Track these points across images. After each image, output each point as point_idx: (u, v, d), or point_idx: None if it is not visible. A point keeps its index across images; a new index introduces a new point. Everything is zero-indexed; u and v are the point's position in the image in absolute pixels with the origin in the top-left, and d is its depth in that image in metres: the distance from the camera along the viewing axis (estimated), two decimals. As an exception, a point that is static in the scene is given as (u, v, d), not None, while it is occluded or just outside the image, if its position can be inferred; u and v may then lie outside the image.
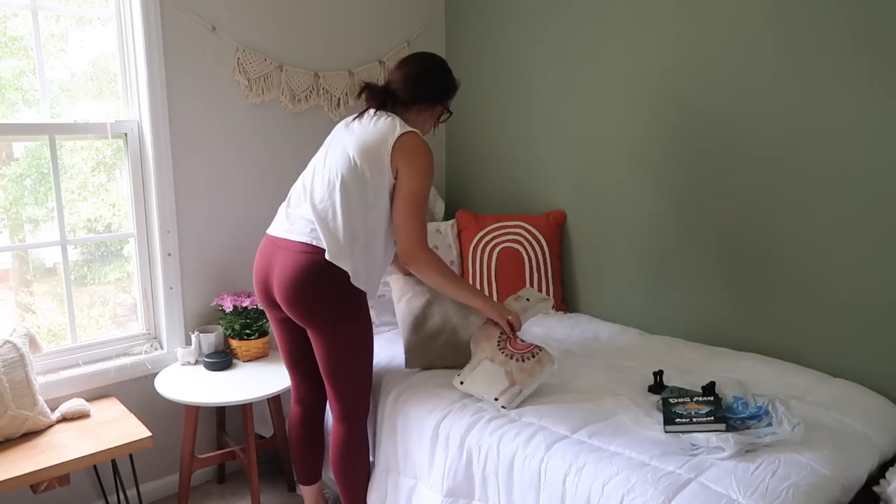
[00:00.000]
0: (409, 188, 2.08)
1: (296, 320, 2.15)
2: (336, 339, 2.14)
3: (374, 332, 2.34)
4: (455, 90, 2.29)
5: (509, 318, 2.21)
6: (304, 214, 2.12)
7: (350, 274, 2.06)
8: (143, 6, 2.49)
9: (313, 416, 2.41)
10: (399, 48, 3.27)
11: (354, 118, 2.20)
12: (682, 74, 2.60)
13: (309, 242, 2.07)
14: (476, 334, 2.27)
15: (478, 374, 2.17)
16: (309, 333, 2.18)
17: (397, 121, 2.12)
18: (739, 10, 2.42)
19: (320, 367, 2.20)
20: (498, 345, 2.18)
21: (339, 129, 2.23)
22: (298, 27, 2.93)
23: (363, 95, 2.20)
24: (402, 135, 2.07)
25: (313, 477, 2.47)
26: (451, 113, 2.30)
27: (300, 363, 2.33)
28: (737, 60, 2.45)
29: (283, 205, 2.23)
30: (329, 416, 2.40)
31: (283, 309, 2.15)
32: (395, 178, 2.08)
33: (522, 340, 2.21)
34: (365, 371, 2.24)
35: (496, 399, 2.11)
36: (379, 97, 2.17)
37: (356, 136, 2.13)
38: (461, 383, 2.20)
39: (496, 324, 2.23)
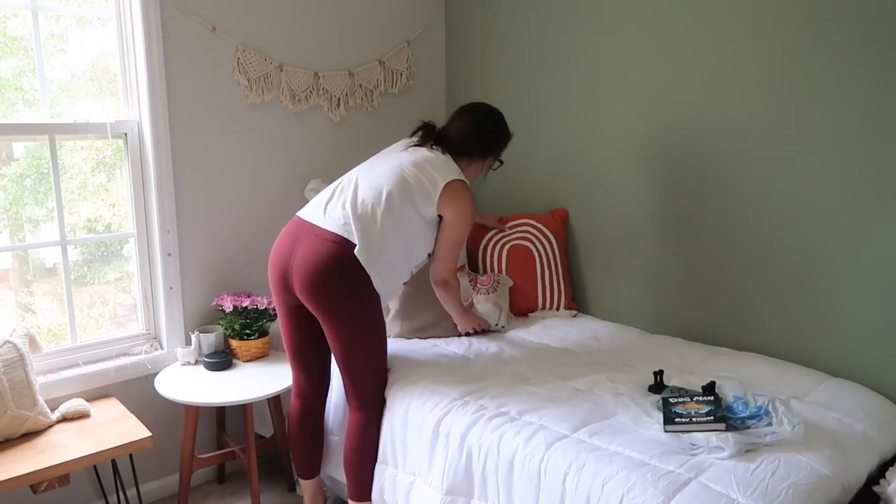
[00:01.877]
0: (452, 233, 2.29)
1: (311, 308, 2.18)
2: (353, 329, 2.19)
3: None
4: (507, 143, 2.44)
5: (476, 325, 2.67)
6: (341, 209, 2.18)
7: (371, 277, 2.16)
8: (143, 6, 2.49)
9: (314, 410, 2.42)
10: (399, 48, 3.28)
11: (416, 144, 2.32)
12: (683, 74, 2.60)
13: (340, 234, 2.14)
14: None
15: (476, 314, 2.70)
16: (323, 324, 2.20)
17: (452, 165, 2.28)
18: (741, 11, 2.42)
19: (337, 358, 2.25)
20: (477, 288, 2.82)
21: (398, 145, 2.36)
22: (298, 27, 2.94)
23: (419, 133, 2.34)
24: (452, 181, 2.21)
25: (313, 471, 2.48)
26: (502, 162, 2.46)
27: (304, 355, 2.35)
28: (737, 61, 2.45)
29: (321, 196, 2.28)
30: (331, 411, 2.43)
31: (300, 295, 2.17)
32: (440, 217, 2.27)
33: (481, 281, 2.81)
34: (382, 359, 2.32)
35: (496, 324, 2.72)
36: (434, 140, 2.31)
37: (415, 161, 2.24)
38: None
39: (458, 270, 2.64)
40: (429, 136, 2.32)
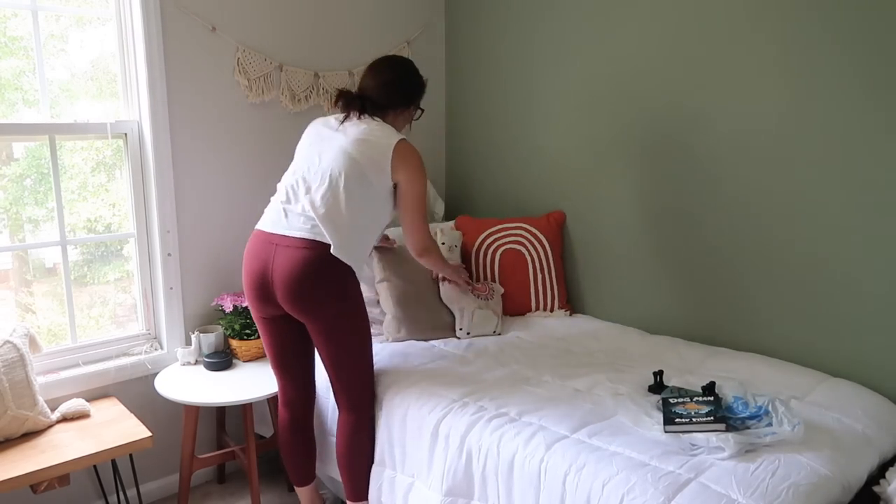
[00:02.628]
0: (412, 193, 2.23)
1: (299, 315, 2.18)
2: (341, 330, 2.21)
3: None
4: (424, 90, 2.41)
5: (463, 275, 2.76)
6: (302, 211, 2.16)
7: (353, 267, 2.17)
8: (143, 6, 2.49)
9: (303, 418, 2.42)
10: (399, 48, 3.27)
11: (342, 120, 2.26)
12: (682, 74, 2.60)
13: (311, 238, 2.13)
14: (449, 295, 2.78)
15: (476, 321, 2.75)
16: (311, 328, 2.21)
17: (387, 128, 2.25)
18: (742, 11, 2.42)
19: (326, 361, 2.26)
20: (475, 295, 2.78)
21: (325, 130, 2.28)
22: (298, 27, 2.93)
23: (339, 103, 2.28)
24: (398, 143, 2.19)
25: (307, 478, 2.47)
26: (423, 110, 2.43)
27: (289, 363, 2.35)
28: (738, 62, 2.45)
29: (276, 201, 2.25)
30: (330, 411, 2.42)
31: (286, 305, 2.17)
32: (395, 184, 2.22)
33: (476, 286, 2.85)
34: (369, 359, 2.33)
35: (494, 331, 2.76)
36: (357, 104, 2.26)
37: (353, 138, 2.20)
38: (468, 334, 2.73)
39: (451, 282, 2.76)
40: (351, 104, 2.26)
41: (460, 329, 2.74)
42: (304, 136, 2.34)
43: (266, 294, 2.20)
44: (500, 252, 3.01)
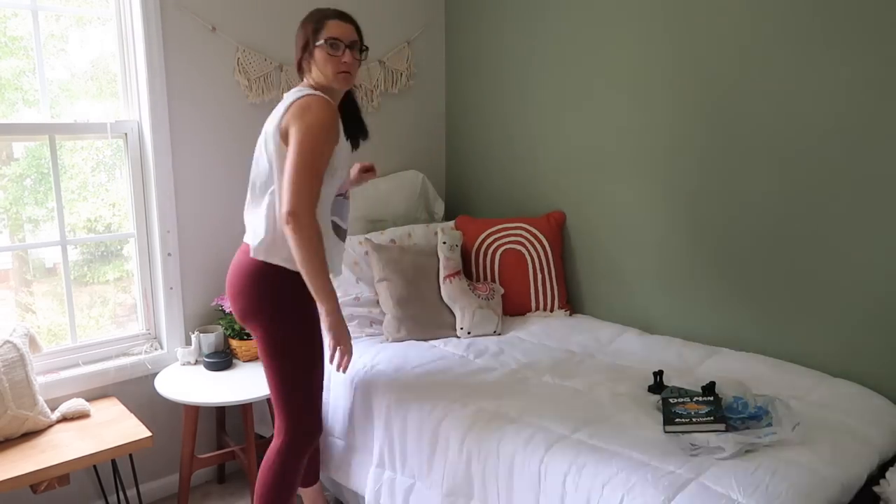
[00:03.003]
0: (296, 144, 1.88)
1: (246, 327, 2.12)
2: (269, 341, 2.04)
3: (366, 339, 2.44)
4: (318, 18, 2.06)
5: (340, 345, 2.03)
6: (245, 217, 2.14)
7: (284, 265, 1.99)
8: (143, 6, 2.49)
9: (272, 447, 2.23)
10: (399, 48, 3.28)
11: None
12: (683, 73, 2.60)
13: (246, 242, 2.09)
14: (450, 294, 2.78)
15: (477, 321, 2.75)
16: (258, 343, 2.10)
17: (300, 88, 2.02)
18: (744, 11, 2.42)
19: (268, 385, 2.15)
20: (476, 294, 2.80)
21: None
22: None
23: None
24: (297, 99, 1.94)
25: (311, 479, 2.46)
26: (334, 41, 2.01)
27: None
28: (738, 59, 2.45)
29: None
30: (331, 411, 2.43)
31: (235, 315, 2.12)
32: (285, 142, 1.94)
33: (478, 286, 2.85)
34: (303, 383, 2.09)
35: (494, 331, 2.75)
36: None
37: (264, 131, 2.03)
38: (468, 333, 2.72)
39: (455, 275, 2.76)
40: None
41: (461, 328, 2.74)
42: None
43: None
44: (500, 252, 3.01)
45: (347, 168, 2.15)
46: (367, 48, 2.14)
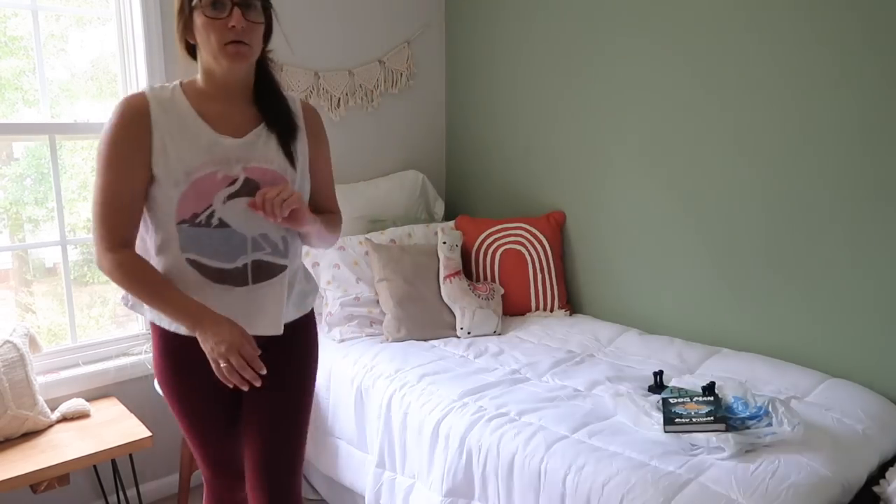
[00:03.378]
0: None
1: None
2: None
3: (366, 339, 2.43)
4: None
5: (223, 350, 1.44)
6: None
7: (155, 321, 1.59)
8: (143, 6, 2.49)
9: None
10: (399, 48, 3.28)
11: None
12: (683, 73, 2.60)
13: None
14: (450, 294, 2.79)
15: (477, 321, 2.76)
16: None
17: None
18: (741, 11, 2.42)
19: None
20: (476, 294, 2.80)
21: None
22: (298, 27, 2.93)
23: None
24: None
25: None
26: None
27: None
28: (737, 61, 2.45)
29: None
30: (331, 410, 2.39)
31: None
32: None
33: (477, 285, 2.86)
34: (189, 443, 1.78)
35: (494, 331, 2.76)
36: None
37: None
38: (468, 333, 2.73)
39: (455, 275, 2.75)
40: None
41: (461, 328, 2.74)
42: None
43: None
44: (500, 252, 3.01)
45: (207, 171, 1.50)
46: (270, 6, 1.57)
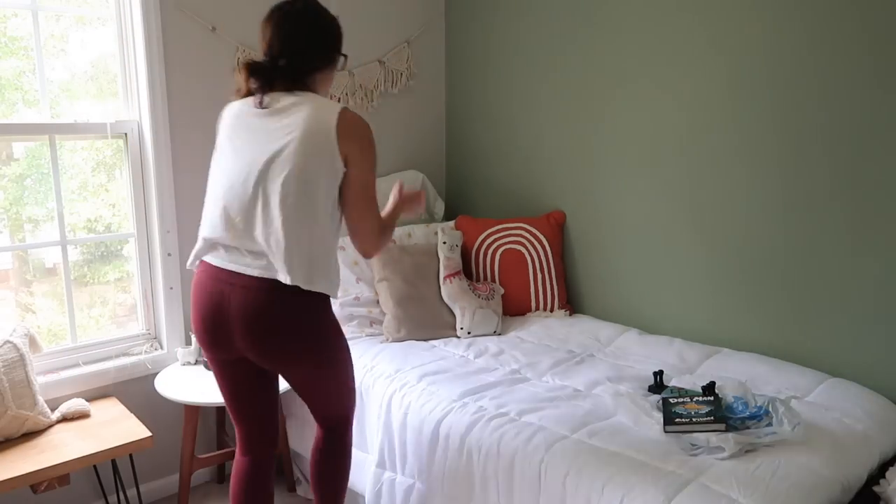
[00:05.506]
0: (363, 178, 1.79)
1: (271, 368, 1.91)
2: (323, 377, 1.94)
3: (366, 339, 2.46)
4: (341, 29, 1.88)
5: (404, 192, 2.02)
6: (245, 245, 1.79)
7: (331, 293, 1.84)
8: (143, 6, 2.49)
9: (265, 465, 2.06)
10: (399, 48, 3.28)
11: (260, 103, 1.79)
12: (683, 74, 2.60)
13: (269, 277, 1.76)
14: (450, 294, 2.80)
15: (477, 320, 2.76)
16: (289, 379, 1.95)
17: (320, 98, 1.81)
18: (740, 11, 2.42)
19: (306, 399, 2.02)
20: (476, 294, 2.81)
21: (243, 130, 1.81)
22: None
23: (252, 82, 1.80)
24: (342, 112, 1.75)
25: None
26: (346, 57, 1.89)
27: (251, 406, 2.00)
28: (736, 61, 2.45)
29: (214, 224, 1.84)
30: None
31: (255, 359, 1.85)
32: (345, 167, 1.77)
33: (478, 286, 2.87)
34: (353, 385, 2.05)
35: (494, 331, 2.77)
36: (270, 76, 1.80)
37: (281, 132, 1.74)
38: (468, 333, 2.74)
39: (455, 275, 2.79)
40: (266, 76, 1.79)
41: (461, 328, 2.74)
42: (219, 139, 1.88)
43: (222, 339, 1.83)
44: (500, 252, 3.00)
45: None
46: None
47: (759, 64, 2.40)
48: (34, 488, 2.15)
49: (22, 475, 2.06)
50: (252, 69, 1.80)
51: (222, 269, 1.82)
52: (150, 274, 2.73)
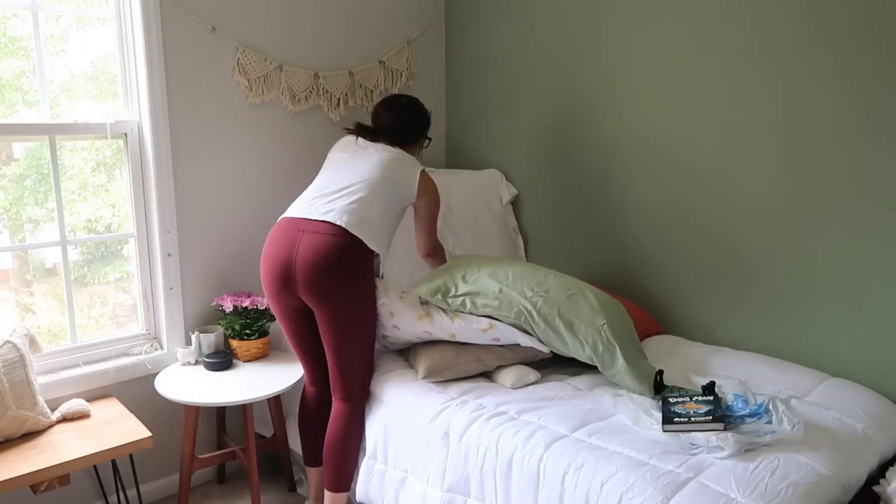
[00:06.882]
0: (430, 214, 2.54)
1: (313, 302, 2.25)
2: (352, 321, 2.28)
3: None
4: (430, 123, 2.66)
5: None
6: (333, 204, 2.29)
7: (380, 253, 2.36)
8: (143, 6, 2.49)
9: (326, 391, 2.47)
10: (399, 48, 3.28)
11: (372, 141, 2.51)
12: (683, 75, 2.60)
13: (340, 225, 2.24)
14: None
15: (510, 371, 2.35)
16: (322, 316, 2.27)
17: (410, 157, 2.51)
18: (740, 11, 2.42)
19: (330, 349, 2.31)
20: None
21: (356, 146, 2.51)
22: (298, 27, 2.94)
23: (364, 134, 2.53)
24: (421, 173, 2.45)
25: (321, 459, 2.47)
26: (430, 140, 2.69)
27: (312, 350, 2.44)
28: (735, 60, 2.45)
29: (306, 196, 2.39)
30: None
31: (303, 291, 2.24)
32: (416, 204, 2.51)
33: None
34: (372, 352, 2.40)
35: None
36: (378, 137, 2.52)
37: (385, 158, 2.43)
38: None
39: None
40: (372, 134, 2.52)
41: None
42: (336, 149, 2.55)
43: (286, 283, 2.26)
44: (500, 252, 3.00)
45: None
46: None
47: (758, 63, 2.40)
48: (34, 488, 2.15)
49: (22, 475, 2.06)
50: (360, 128, 2.54)
51: (299, 219, 2.31)
52: (150, 274, 2.73)
